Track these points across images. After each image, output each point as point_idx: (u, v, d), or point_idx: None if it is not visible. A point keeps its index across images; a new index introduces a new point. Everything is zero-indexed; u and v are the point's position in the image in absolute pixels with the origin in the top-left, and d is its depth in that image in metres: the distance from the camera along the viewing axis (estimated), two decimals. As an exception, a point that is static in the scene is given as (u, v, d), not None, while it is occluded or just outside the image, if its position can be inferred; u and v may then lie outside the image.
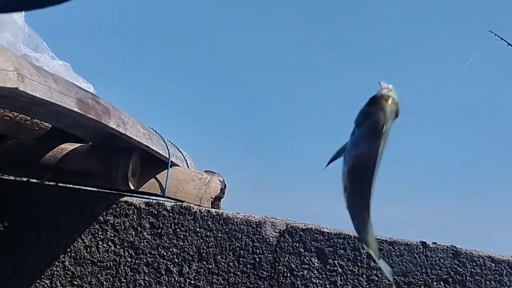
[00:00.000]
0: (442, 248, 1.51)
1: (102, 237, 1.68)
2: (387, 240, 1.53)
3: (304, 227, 1.59)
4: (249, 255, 1.61)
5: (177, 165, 1.85)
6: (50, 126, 1.52)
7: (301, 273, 1.56)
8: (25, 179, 1.85)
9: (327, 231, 1.57)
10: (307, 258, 1.57)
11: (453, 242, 1.53)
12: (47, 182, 1.76)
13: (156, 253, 1.65)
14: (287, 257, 1.58)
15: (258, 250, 1.61)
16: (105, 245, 1.67)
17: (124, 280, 1.64)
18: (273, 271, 1.58)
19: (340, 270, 1.54)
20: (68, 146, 1.70)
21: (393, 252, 1.52)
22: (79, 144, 1.72)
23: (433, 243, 1.53)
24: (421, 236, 1.56)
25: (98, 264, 1.67)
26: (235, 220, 1.64)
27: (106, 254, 1.67)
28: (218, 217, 1.65)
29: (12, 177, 1.85)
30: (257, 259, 1.60)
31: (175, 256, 1.64)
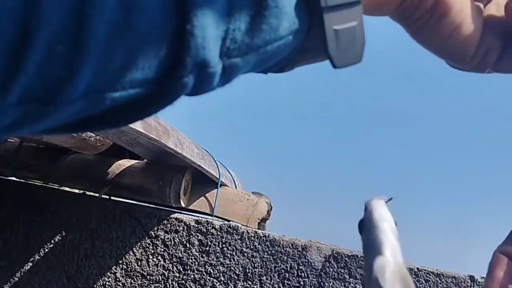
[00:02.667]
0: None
1: (152, 251, 1.75)
2: (434, 272, 1.52)
3: (350, 254, 1.60)
4: (294, 278, 1.64)
5: (226, 185, 1.91)
6: (112, 143, 1.61)
7: (345, 299, 1.57)
8: (81, 191, 1.95)
9: (373, 258, 1.58)
10: (352, 284, 1.58)
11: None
12: (102, 196, 1.85)
13: (203, 270, 1.70)
14: (331, 282, 1.60)
15: (303, 274, 1.63)
16: (155, 259, 1.74)
17: (171, 295, 1.70)
18: (317, 295, 1.60)
19: (385, 298, 1.54)
20: (125, 163, 1.79)
21: (440, 284, 1.51)
22: (135, 161, 1.80)
23: (482, 277, 1.52)
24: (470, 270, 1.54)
25: (148, 277, 1.73)
26: (281, 243, 1.67)
27: (156, 268, 1.73)
28: (264, 238, 1.68)
29: (70, 189, 1.95)
30: (302, 283, 1.62)
31: (221, 274, 1.68)
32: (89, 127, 0.29)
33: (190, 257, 1.72)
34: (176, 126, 1.55)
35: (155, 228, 1.76)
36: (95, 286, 1.75)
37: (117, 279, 1.75)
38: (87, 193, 1.93)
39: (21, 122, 0.24)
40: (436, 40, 0.36)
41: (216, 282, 1.68)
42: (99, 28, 0.22)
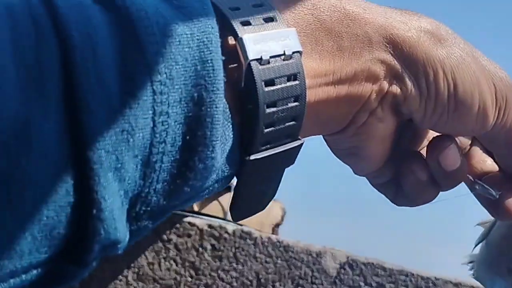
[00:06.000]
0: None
1: (164, 255, 1.73)
2: (453, 281, 1.48)
3: (365, 261, 1.57)
4: (307, 284, 1.60)
5: (239, 190, 1.89)
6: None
7: (361, 307, 1.53)
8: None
9: (389, 266, 1.55)
10: (367, 292, 1.54)
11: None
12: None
13: (215, 275, 1.68)
14: (346, 290, 1.56)
15: (317, 281, 1.60)
16: (167, 263, 1.72)
17: (183, 300, 1.68)
18: (331, 303, 1.57)
19: (401, 308, 1.50)
20: (139, 165, 1.78)
21: (459, 293, 1.47)
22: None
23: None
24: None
25: (160, 281, 1.71)
26: (295, 249, 1.64)
27: (168, 272, 1.71)
28: (278, 244, 1.66)
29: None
30: (316, 290, 1.59)
31: (234, 279, 1.66)
32: None
33: (203, 261, 1.69)
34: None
35: (168, 232, 1.74)
36: (106, 289, 1.74)
37: (129, 283, 1.73)
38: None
39: None
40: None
41: (229, 288, 1.66)
42: None
